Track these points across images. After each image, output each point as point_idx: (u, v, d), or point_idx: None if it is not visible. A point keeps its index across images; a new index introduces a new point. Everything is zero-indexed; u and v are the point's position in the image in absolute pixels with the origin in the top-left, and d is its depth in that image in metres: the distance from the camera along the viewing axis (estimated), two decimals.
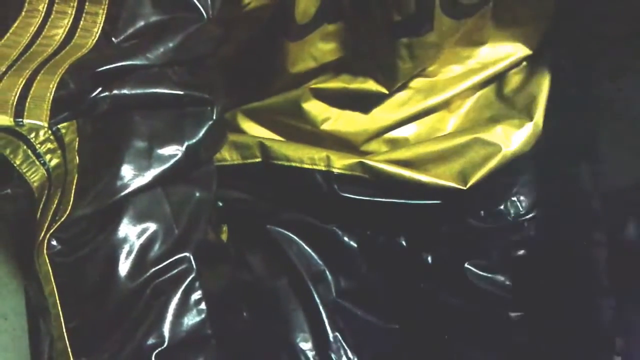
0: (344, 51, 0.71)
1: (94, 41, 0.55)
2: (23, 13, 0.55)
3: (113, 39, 0.55)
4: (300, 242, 0.74)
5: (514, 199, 0.76)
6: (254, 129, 0.77)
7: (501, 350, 0.74)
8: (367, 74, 0.73)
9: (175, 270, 0.54)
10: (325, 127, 0.75)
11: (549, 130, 0.74)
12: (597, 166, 0.73)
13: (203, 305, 0.55)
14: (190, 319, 0.55)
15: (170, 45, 0.55)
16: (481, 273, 0.75)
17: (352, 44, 0.71)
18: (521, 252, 0.75)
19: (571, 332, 0.72)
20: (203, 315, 0.55)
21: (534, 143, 0.73)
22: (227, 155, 0.74)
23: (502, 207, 0.76)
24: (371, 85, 0.73)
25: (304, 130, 0.75)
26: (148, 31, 0.55)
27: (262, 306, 0.72)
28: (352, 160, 0.72)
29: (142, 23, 0.55)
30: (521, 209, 0.76)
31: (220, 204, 0.75)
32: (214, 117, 0.57)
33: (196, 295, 0.55)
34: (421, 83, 0.75)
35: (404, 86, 0.75)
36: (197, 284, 0.55)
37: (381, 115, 0.75)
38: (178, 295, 0.54)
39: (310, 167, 0.73)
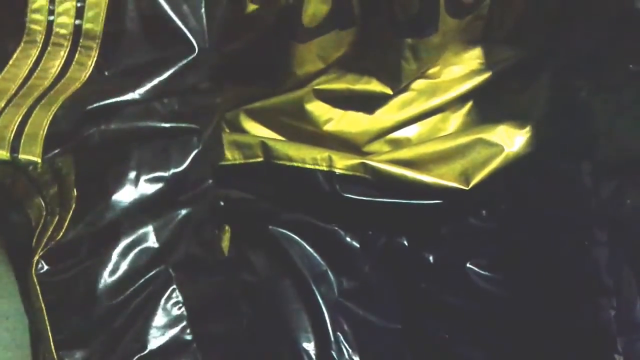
0: (351, 52, 0.72)
1: (87, 75, 0.56)
2: (22, 44, 0.57)
3: (106, 72, 0.57)
4: (302, 242, 0.74)
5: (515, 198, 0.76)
6: (256, 129, 0.77)
7: (502, 350, 0.74)
8: (371, 74, 0.73)
9: (155, 284, 0.57)
10: (327, 128, 0.75)
11: (550, 130, 0.74)
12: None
13: (183, 312, 0.57)
14: (171, 327, 0.57)
15: (160, 80, 0.57)
16: (482, 273, 0.75)
17: (359, 45, 0.71)
18: (522, 252, 0.76)
19: (571, 332, 0.72)
20: (184, 322, 0.57)
21: (536, 144, 0.74)
22: (229, 155, 0.74)
23: (503, 206, 0.77)
24: (375, 86, 0.73)
25: (307, 130, 0.75)
26: (140, 67, 0.57)
27: (265, 306, 0.72)
28: (354, 160, 0.73)
29: (134, 59, 0.57)
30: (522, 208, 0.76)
31: (222, 203, 0.75)
32: (200, 146, 0.60)
33: (176, 303, 0.57)
34: (424, 84, 0.75)
35: (406, 88, 0.75)
36: (175, 293, 0.57)
37: (384, 117, 0.75)
38: (159, 306, 0.57)
39: (312, 167, 0.73)
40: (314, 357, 0.69)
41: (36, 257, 0.54)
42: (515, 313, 0.74)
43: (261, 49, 0.71)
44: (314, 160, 0.73)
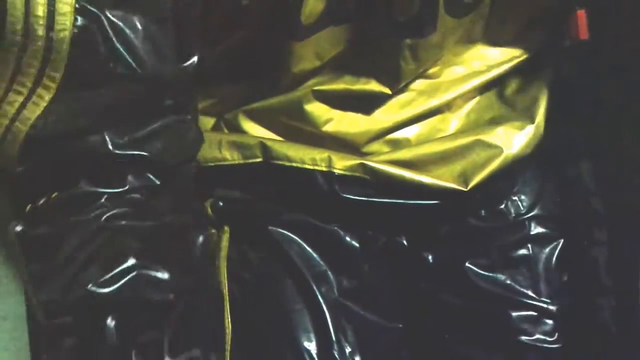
0: (349, 51, 0.72)
1: None
2: None
3: None
4: (302, 242, 0.74)
5: (515, 198, 0.76)
6: (255, 129, 0.76)
7: (502, 349, 0.74)
8: (370, 74, 0.73)
9: None
10: (326, 128, 0.75)
11: (550, 131, 0.74)
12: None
13: None
14: None
15: None
16: (482, 272, 0.75)
17: (357, 44, 0.71)
18: (521, 251, 0.76)
19: (571, 332, 0.73)
20: None
21: (536, 145, 0.74)
22: (228, 155, 0.74)
23: (502, 206, 0.77)
24: (374, 86, 0.73)
25: (306, 131, 0.75)
26: None
27: (266, 306, 0.72)
28: (354, 161, 0.72)
29: None
30: (522, 208, 0.76)
31: (221, 204, 0.75)
32: None
33: None
34: (423, 85, 0.75)
35: (406, 88, 0.75)
36: None
37: (383, 117, 0.75)
38: None
39: (311, 167, 0.73)
40: (315, 356, 0.69)
41: None
42: (514, 313, 0.74)
43: (258, 46, 0.71)
44: (313, 161, 0.73)
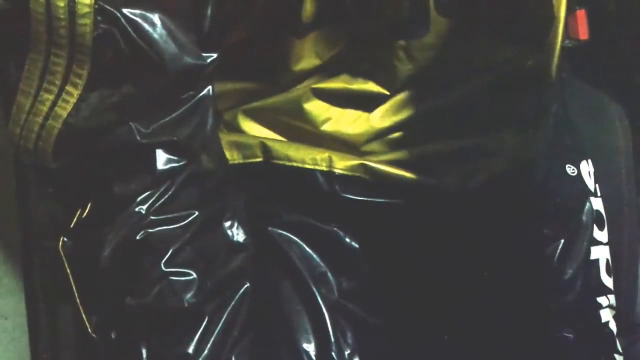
0: (347, 51, 0.72)
1: None
2: None
3: None
4: (302, 243, 0.74)
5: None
6: (254, 129, 0.76)
7: (502, 350, 0.74)
8: (367, 75, 0.73)
9: None
10: (325, 127, 0.75)
11: (551, 132, 0.74)
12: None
13: None
14: None
15: None
16: (482, 274, 0.75)
17: (354, 44, 0.71)
18: (521, 252, 0.76)
19: (572, 332, 0.73)
20: None
21: (537, 146, 0.74)
22: (228, 155, 0.74)
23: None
24: (372, 86, 0.73)
25: (305, 130, 0.75)
26: None
27: (265, 307, 0.71)
28: (354, 161, 0.73)
29: None
30: None
31: None
32: None
33: None
34: (422, 84, 0.75)
35: (404, 87, 0.75)
36: None
37: (382, 117, 0.75)
38: None
39: (311, 167, 0.73)
40: (314, 358, 0.69)
41: None
42: (517, 314, 0.74)
43: (259, 44, 0.71)
44: (314, 161, 0.73)
